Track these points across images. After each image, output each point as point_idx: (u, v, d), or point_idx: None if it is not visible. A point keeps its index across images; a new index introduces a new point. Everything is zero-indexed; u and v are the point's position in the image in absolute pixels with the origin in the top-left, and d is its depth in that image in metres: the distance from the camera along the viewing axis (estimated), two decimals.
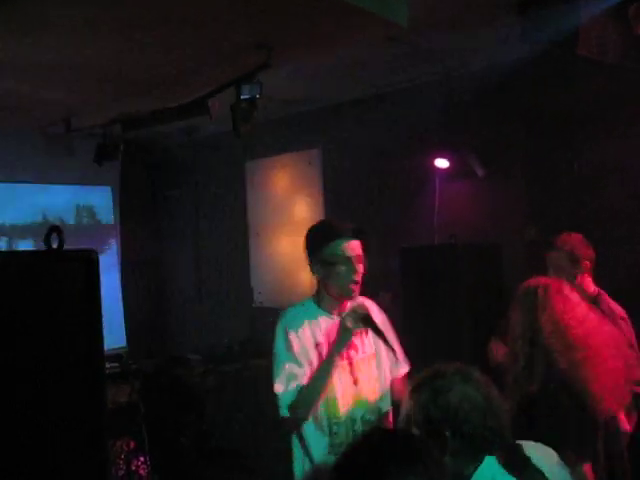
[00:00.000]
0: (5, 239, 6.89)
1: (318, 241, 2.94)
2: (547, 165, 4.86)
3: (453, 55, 4.97)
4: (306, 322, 2.90)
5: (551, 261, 3.67)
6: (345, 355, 2.89)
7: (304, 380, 2.81)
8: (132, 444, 5.73)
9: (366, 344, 3.00)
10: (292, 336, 2.86)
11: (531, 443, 1.98)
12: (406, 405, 2.00)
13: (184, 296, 7.79)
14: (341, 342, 2.81)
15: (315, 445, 2.87)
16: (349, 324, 2.79)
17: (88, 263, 2.02)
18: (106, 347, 2.11)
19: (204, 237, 7.55)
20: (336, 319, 2.93)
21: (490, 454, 1.88)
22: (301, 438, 2.91)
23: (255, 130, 4.63)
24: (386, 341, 2.83)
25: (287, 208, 6.71)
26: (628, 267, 4.34)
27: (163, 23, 3.89)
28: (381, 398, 3.01)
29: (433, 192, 5.28)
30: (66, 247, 2.00)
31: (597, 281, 3.72)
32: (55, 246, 1.98)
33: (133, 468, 5.67)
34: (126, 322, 7.45)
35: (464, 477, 1.89)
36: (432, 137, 5.27)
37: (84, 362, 2.02)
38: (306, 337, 2.88)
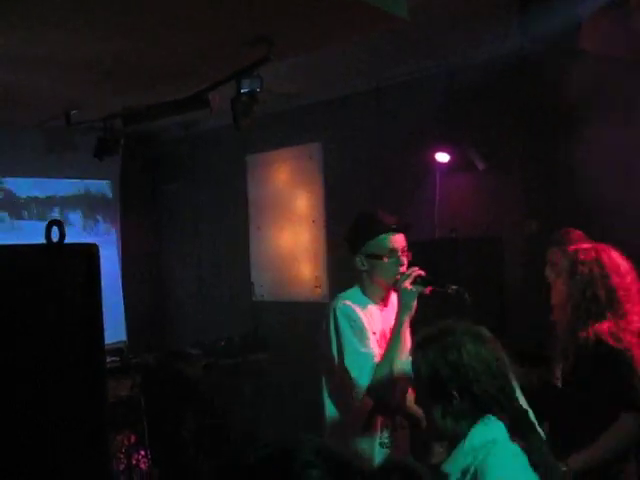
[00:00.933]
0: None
1: (364, 234, 2.96)
2: (547, 159, 4.85)
3: (453, 49, 4.97)
4: (359, 308, 2.91)
5: (550, 257, 3.67)
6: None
7: (377, 358, 2.80)
8: (133, 438, 5.75)
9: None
10: (357, 316, 2.86)
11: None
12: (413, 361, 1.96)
13: (184, 290, 7.79)
14: (405, 308, 2.83)
15: (368, 439, 2.88)
16: (408, 285, 2.81)
17: (89, 257, 2.01)
18: (106, 341, 2.11)
19: (204, 231, 7.55)
20: (382, 310, 2.99)
21: (496, 416, 1.81)
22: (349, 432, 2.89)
23: (255, 124, 4.62)
24: (457, 292, 2.83)
25: (288, 202, 6.71)
26: (632, 260, 4.33)
27: (163, 17, 3.88)
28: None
29: (433, 186, 5.28)
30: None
31: None
32: (56, 240, 1.98)
33: (134, 462, 5.69)
34: (127, 316, 7.45)
35: (463, 434, 1.84)
36: (432, 131, 5.27)
37: (85, 356, 2.01)
38: (366, 320, 2.89)
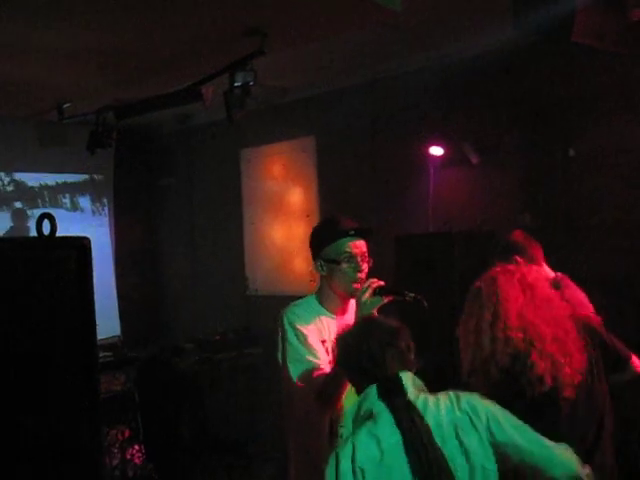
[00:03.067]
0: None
1: (323, 239, 2.91)
2: (541, 152, 4.85)
3: (447, 42, 4.96)
4: (310, 318, 2.87)
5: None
6: None
7: (325, 370, 2.75)
8: (127, 433, 5.75)
9: None
10: (303, 329, 2.82)
11: (435, 398, 2.20)
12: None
13: (179, 285, 7.78)
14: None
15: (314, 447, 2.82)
16: (366, 297, 2.73)
17: (80, 250, 2.01)
18: (100, 336, 2.10)
19: (198, 225, 7.54)
20: (338, 319, 2.90)
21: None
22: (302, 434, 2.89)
23: (248, 117, 4.61)
24: (415, 299, 2.74)
25: (282, 196, 6.70)
26: (624, 253, 4.34)
27: (157, 9, 3.86)
28: None
29: (427, 180, 5.27)
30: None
31: (592, 267, 3.72)
32: (47, 233, 1.97)
33: (128, 457, 5.69)
34: (120, 311, 7.44)
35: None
36: (426, 124, 5.26)
37: (76, 348, 2.01)
38: (313, 331, 2.83)
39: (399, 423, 2.12)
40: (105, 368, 5.66)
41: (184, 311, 7.59)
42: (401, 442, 2.10)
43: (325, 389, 2.71)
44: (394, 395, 2.18)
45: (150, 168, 7.80)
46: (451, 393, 2.24)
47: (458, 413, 2.17)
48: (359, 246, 2.86)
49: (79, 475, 2.07)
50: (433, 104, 5.25)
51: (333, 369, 2.70)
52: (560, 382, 2.55)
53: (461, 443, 2.12)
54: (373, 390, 2.21)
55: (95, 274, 2.05)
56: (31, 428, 1.96)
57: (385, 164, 5.72)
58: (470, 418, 2.16)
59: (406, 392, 2.18)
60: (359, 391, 2.29)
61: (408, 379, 2.22)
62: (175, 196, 7.76)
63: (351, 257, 2.84)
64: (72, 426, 2.05)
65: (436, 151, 5.12)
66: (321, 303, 2.93)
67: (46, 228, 1.99)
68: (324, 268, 2.89)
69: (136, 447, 5.77)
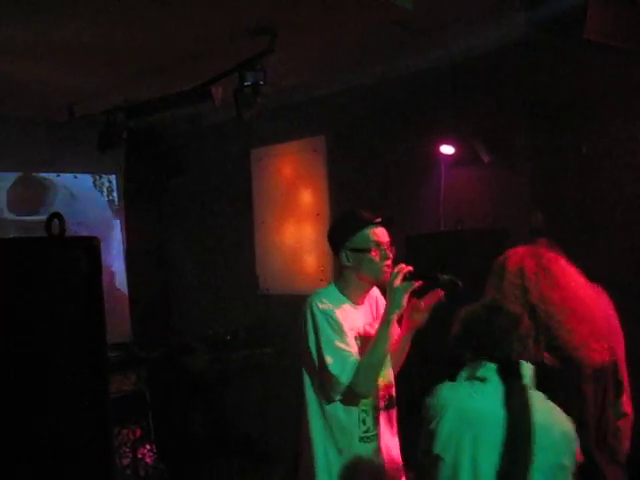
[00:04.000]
0: None
1: (347, 229, 2.96)
2: (553, 150, 4.82)
3: (458, 40, 4.93)
4: (337, 306, 2.92)
5: None
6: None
7: (357, 356, 2.81)
8: (138, 432, 5.76)
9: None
10: (335, 314, 2.86)
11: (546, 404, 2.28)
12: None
13: (190, 284, 7.78)
14: (394, 306, 2.79)
15: (342, 436, 2.90)
16: (397, 282, 2.77)
17: (90, 250, 2.01)
18: (111, 336, 2.10)
19: (209, 225, 7.54)
20: (359, 308, 3.00)
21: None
22: (327, 427, 2.92)
23: (259, 116, 4.60)
24: (450, 281, 2.84)
25: (292, 195, 6.69)
26: (636, 252, 4.31)
27: (167, 8, 3.86)
28: (391, 384, 3.11)
29: (438, 178, 5.25)
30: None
31: (605, 267, 3.68)
32: (56, 233, 1.97)
33: (139, 456, 5.70)
34: (131, 311, 7.45)
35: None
36: (437, 123, 5.23)
37: (86, 348, 2.01)
38: (344, 319, 2.89)
39: (510, 401, 2.21)
40: (116, 368, 5.68)
41: (195, 310, 7.59)
42: (502, 418, 2.19)
43: (360, 374, 2.77)
44: (512, 377, 2.25)
45: (160, 168, 7.80)
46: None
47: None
48: (383, 234, 2.94)
49: (90, 475, 2.07)
50: (444, 103, 5.22)
51: (366, 354, 2.79)
52: (581, 358, 2.62)
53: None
54: (491, 368, 2.29)
55: (106, 273, 2.05)
56: (41, 428, 1.96)
57: (396, 163, 5.69)
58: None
59: (524, 377, 2.26)
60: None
61: (528, 368, 2.30)
62: (186, 196, 7.76)
63: (378, 245, 2.90)
64: (82, 427, 2.05)
65: (447, 150, 5.09)
66: (343, 293, 2.98)
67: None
68: (350, 259, 2.93)
69: (147, 447, 5.79)
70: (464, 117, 5.14)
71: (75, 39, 4.31)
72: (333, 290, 3.00)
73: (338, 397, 2.84)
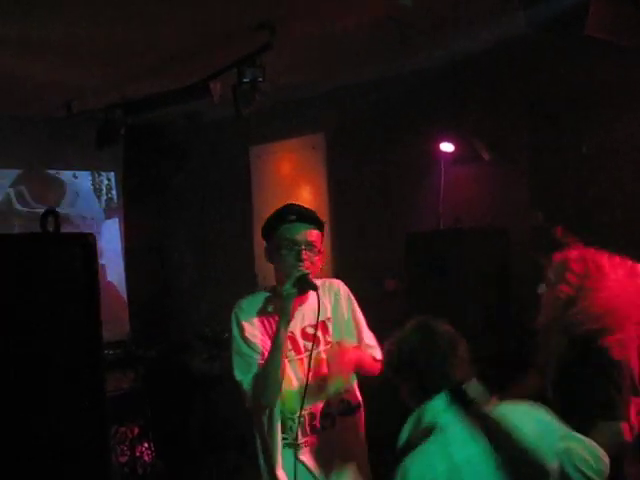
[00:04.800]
0: None
1: (270, 225, 2.87)
2: (553, 149, 4.81)
3: (458, 38, 4.91)
4: (258, 313, 2.86)
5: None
6: (302, 348, 2.82)
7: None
8: (136, 430, 5.75)
9: (330, 334, 2.91)
10: (245, 324, 2.81)
11: (511, 406, 2.19)
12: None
13: (188, 282, 7.77)
14: (282, 312, 2.70)
15: (271, 440, 2.83)
16: (285, 287, 2.69)
17: (86, 247, 2.00)
18: (110, 333, 2.09)
19: (208, 223, 7.53)
20: (297, 307, 2.84)
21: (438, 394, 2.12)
22: (260, 431, 2.88)
23: (257, 113, 4.58)
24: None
25: (291, 193, 6.67)
26: (636, 251, 4.29)
27: (165, 4, 3.85)
28: (347, 390, 2.92)
29: (438, 176, 5.23)
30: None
31: None
32: (51, 230, 1.95)
33: (137, 454, 5.69)
34: (130, 308, 7.44)
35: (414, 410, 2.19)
36: (437, 121, 5.22)
37: (82, 346, 2.01)
38: (259, 326, 2.81)
39: (479, 432, 2.03)
40: (114, 366, 5.67)
41: (193, 308, 7.57)
42: (481, 452, 2.02)
43: (259, 383, 2.71)
44: (465, 405, 2.10)
45: (159, 165, 7.79)
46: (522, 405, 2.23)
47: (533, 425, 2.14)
48: (306, 234, 2.77)
49: (86, 473, 2.07)
50: (444, 100, 5.21)
51: (263, 364, 2.70)
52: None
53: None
54: (437, 402, 2.12)
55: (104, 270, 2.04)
56: (36, 427, 1.95)
57: (395, 161, 5.68)
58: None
59: (476, 401, 2.11)
60: (415, 404, 2.19)
61: (474, 389, 2.16)
62: (184, 193, 7.75)
63: (294, 244, 2.75)
64: (78, 424, 2.04)
65: (447, 148, 5.08)
66: (273, 293, 2.91)
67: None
68: (268, 255, 2.89)
69: (145, 444, 5.77)
70: (464, 115, 5.13)
71: (73, 35, 4.29)
72: (261, 295, 2.94)
73: (248, 403, 2.80)
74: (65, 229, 1.99)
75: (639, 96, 4.35)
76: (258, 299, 2.92)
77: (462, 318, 4.27)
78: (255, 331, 2.80)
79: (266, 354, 2.72)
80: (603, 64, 4.34)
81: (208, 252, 7.55)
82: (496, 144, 5.01)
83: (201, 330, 6.72)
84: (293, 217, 2.79)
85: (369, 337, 2.99)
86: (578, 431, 2.27)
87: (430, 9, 4.21)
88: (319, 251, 2.80)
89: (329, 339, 2.89)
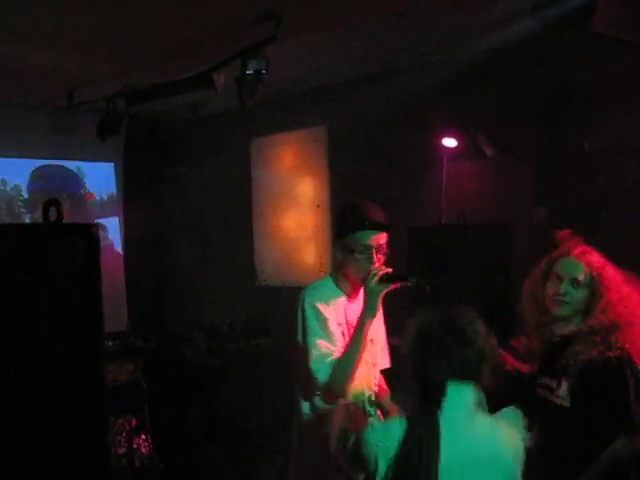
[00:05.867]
0: None
1: (346, 227, 2.94)
2: (557, 145, 4.79)
3: (462, 33, 4.89)
4: (329, 299, 2.93)
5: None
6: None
7: (337, 354, 2.82)
8: (134, 422, 5.74)
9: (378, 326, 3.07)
10: (324, 311, 2.88)
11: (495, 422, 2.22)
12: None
13: (187, 274, 7.76)
14: (368, 310, 2.82)
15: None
16: (374, 283, 2.79)
17: (88, 237, 1.98)
18: (108, 324, 2.09)
19: (208, 215, 7.51)
20: (351, 302, 2.98)
21: None
22: (314, 420, 2.92)
23: (261, 105, 4.56)
24: (417, 284, 2.80)
25: (292, 186, 6.66)
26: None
27: None
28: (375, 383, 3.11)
29: (441, 171, 5.22)
30: None
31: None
32: (53, 220, 1.94)
33: (135, 446, 5.68)
34: (129, 300, 7.43)
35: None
36: (440, 116, 5.20)
37: (83, 336, 1.99)
38: (333, 313, 2.90)
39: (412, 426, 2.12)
40: (113, 357, 5.65)
41: (192, 300, 7.57)
42: (461, 454, 2.10)
43: (335, 373, 2.79)
44: (431, 403, 2.15)
45: (160, 156, 7.78)
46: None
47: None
48: (377, 239, 2.89)
49: (86, 465, 2.06)
50: (448, 96, 5.19)
51: (342, 355, 2.80)
52: None
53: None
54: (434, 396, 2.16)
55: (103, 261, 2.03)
56: (36, 414, 1.94)
57: (398, 155, 5.67)
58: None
59: (442, 404, 2.14)
60: (414, 394, 2.25)
61: (472, 393, 2.18)
62: (185, 185, 7.73)
63: (366, 249, 2.86)
64: (77, 416, 2.03)
65: (450, 143, 5.07)
66: (337, 285, 2.99)
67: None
68: (339, 254, 2.95)
69: (143, 436, 5.76)
70: (467, 110, 5.12)
71: (76, 24, 4.27)
72: (328, 282, 3.03)
73: (316, 392, 2.87)
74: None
75: None
76: (327, 286, 3.01)
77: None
78: (332, 319, 2.89)
79: (342, 343, 2.85)
80: (607, 61, 4.33)
81: (208, 244, 7.54)
82: (499, 140, 4.99)
83: (200, 322, 6.72)
84: (375, 226, 2.89)
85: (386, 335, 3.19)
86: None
87: (437, 3, 4.20)
88: (386, 252, 2.92)
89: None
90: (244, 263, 7.08)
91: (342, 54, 5.32)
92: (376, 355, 3.06)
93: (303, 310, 2.90)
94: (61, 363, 1.99)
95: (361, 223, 2.88)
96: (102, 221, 7.30)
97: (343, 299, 2.97)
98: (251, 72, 4.24)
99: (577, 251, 2.85)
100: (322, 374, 2.80)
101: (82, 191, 7.32)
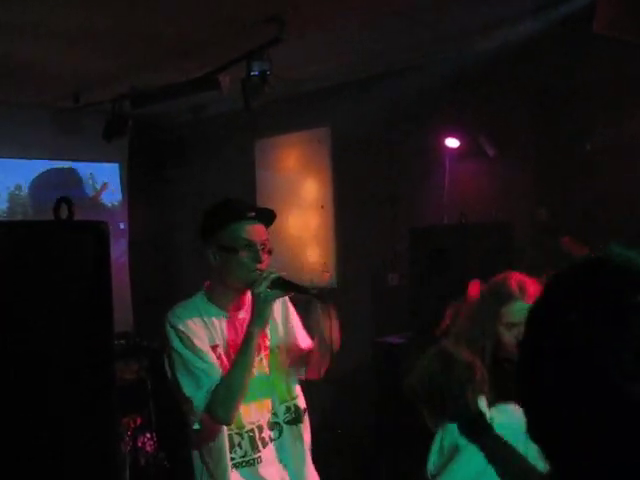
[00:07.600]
0: None
1: (216, 223, 2.59)
2: (558, 146, 4.81)
3: (464, 33, 4.91)
4: (197, 319, 2.54)
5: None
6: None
7: (216, 376, 2.43)
8: (139, 421, 5.75)
9: (268, 338, 2.64)
10: (187, 332, 2.49)
11: (503, 407, 2.13)
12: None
13: (191, 274, 7.75)
14: (258, 318, 2.42)
15: (215, 462, 2.51)
16: (261, 289, 2.39)
17: (98, 235, 1.99)
18: (114, 324, 2.08)
19: None
20: (231, 317, 2.58)
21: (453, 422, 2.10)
22: (204, 456, 2.56)
23: (266, 105, 4.59)
24: (315, 295, 2.46)
25: (296, 187, 6.68)
26: None
27: None
28: (291, 395, 2.67)
29: (443, 172, 5.24)
30: None
31: None
32: (64, 217, 1.96)
33: (139, 445, 5.69)
34: (134, 300, 7.45)
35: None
36: (442, 116, 5.22)
37: (92, 335, 1.99)
38: (201, 335, 2.50)
39: (491, 458, 2.03)
40: (118, 356, 5.67)
41: None
42: (491, 469, 2.03)
43: (218, 398, 2.40)
44: (479, 433, 2.09)
45: (165, 157, 7.79)
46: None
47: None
48: (259, 232, 2.54)
49: (94, 463, 2.06)
50: (450, 96, 5.21)
51: (226, 376, 2.43)
52: None
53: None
54: (454, 426, 2.13)
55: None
56: (44, 414, 1.94)
57: (400, 156, 5.69)
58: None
59: (491, 427, 2.09)
60: (435, 427, 2.23)
61: (485, 407, 2.15)
62: (189, 186, 7.74)
63: (250, 245, 2.51)
64: (87, 413, 2.03)
65: (452, 143, 5.10)
66: (211, 300, 2.60)
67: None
68: (217, 257, 2.56)
69: (148, 435, 5.78)
70: (470, 111, 5.14)
71: (82, 24, 4.30)
72: (200, 300, 2.62)
73: (197, 423, 2.47)
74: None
75: None
76: (199, 304, 2.62)
77: None
78: (201, 340, 2.49)
79: (219, 363, 2.46)
80: (608, 62, 4.35)
81: None
82: (501, 140, 5.02)
83: None
84: (252, 214, 2.55)
85: (304, 340, 2.70)
86: None
87: (438, 4, 4.22)
88: (270, 250, 2.58)
89: (267, 344, 2.62)
90: None
91: (345, 55, 5.35)
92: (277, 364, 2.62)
93: (167, 333, 2.53)
94: (67, 362, 1.98)
95: (236, 214, 2.54)
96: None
97: (217, 318, 2.55)
98: (256, 73, 4.28)
99: (520, 293, 2.42)
100: (199, 401, 2.41)
101: (88, 193, 7.35)
